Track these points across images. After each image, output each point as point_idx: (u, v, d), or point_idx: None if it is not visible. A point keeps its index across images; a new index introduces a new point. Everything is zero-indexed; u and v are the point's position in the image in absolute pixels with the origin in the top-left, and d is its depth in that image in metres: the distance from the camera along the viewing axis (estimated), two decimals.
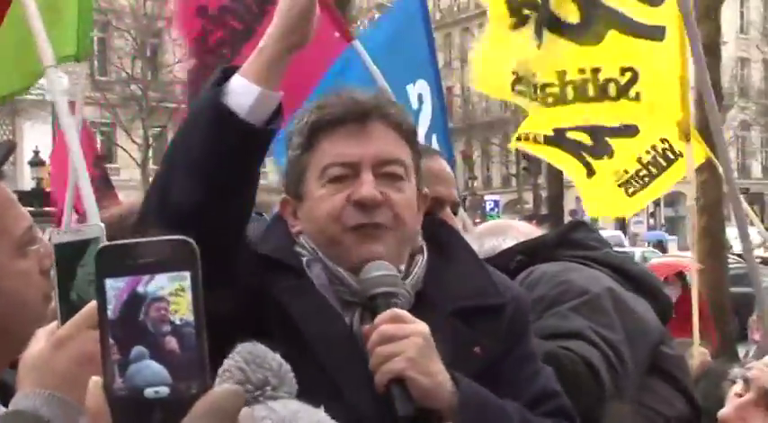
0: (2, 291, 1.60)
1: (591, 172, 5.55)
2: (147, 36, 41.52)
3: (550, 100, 5.32)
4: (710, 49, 10.46)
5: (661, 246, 34.90)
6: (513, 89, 5.33)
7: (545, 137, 5.50)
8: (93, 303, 1.20)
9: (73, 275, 1.47)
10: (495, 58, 5.36)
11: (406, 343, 1.87)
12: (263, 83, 1.91)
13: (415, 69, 5.76)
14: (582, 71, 5.33)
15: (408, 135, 2.11)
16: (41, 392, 1.37)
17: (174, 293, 1.08)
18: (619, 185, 5.58)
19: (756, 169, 57.26)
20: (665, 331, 2.95)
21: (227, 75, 1.94)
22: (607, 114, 5.44)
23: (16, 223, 1.63)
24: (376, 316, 1.96)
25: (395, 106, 2.14)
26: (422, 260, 2.10)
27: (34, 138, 34.84)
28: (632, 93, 5.29)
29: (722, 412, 1.70)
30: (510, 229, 3.01)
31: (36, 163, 29.36)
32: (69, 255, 1.47)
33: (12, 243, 1.64)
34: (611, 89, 5.31)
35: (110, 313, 1.08)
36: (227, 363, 1.67)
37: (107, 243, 1.16)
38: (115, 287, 1.09)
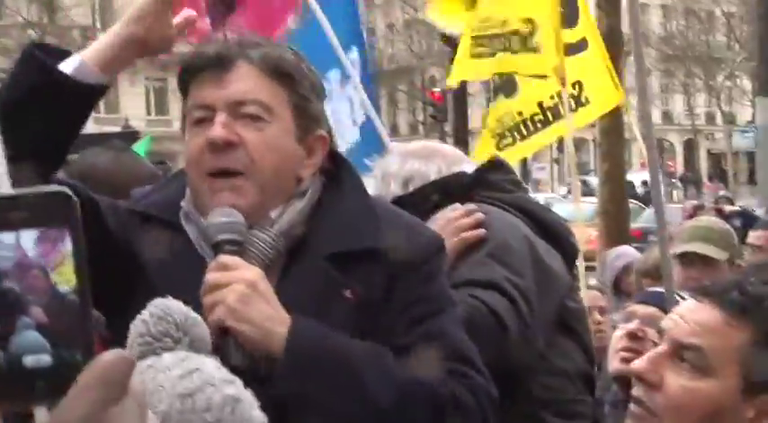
0: None
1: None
2: None
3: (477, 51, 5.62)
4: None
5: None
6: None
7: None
8: None
9: None
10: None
11: (225, 292, 1.85)
12: (95, 64, 1.98)
13: (350, 37, 5.92)
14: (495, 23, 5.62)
15: (280, 75, 2.05)
16: None
17: (51, 255, 0.98)
18: (492, 137, 5.77)
19: (656, 115, 58.50)
20: (572, 283, 2.97)
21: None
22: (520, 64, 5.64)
23: None
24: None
25: (266, 47, 2.10)
26: (299, 205, 2.05)
27: None
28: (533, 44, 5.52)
29: (636, 364, 1.72)
30: (436, 155, 2.89)
31: None
32: None
33: None
34: (515, 42, 5.55)
35: None
36: (137, 317, 1.65)
37: None
38: None
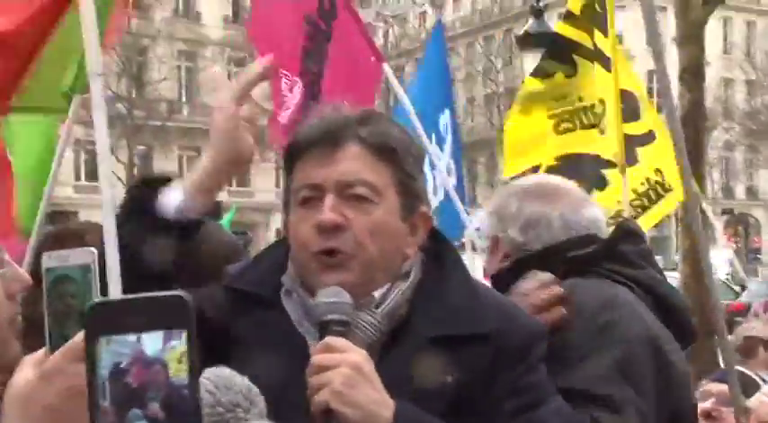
0: None
1: None
2: (132, 53, 41.59)
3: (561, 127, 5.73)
4: (694, 71, 10.56)
5: None
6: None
7: (548, 167, 5.79)
8: (81, 335, 1.18)
9: (62, 301, 1.41)
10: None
11: (331, 374, 1.82)
12: (195, 194, 2.02)
13: (443, 100, 6.21)
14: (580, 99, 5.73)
15: (386, 154, 2.05)
16: None
17: (169, 354, 1.05)
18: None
19: (740, 190, 57.52)
20: (689, 377, 2.69)
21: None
22: (599, 145, 5.75)
23: None
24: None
25: (372, 122, 2.08)
26: (402, 287, 2.04)
27: None
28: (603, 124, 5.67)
29: None
30: (558, 195, 2.63)
31: None
32: (59, 279, 1.41)
33: None
34: (590, 116, 5.69)
35: (102, 374, 1.05)
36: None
37: (98, 299, 1.12)
38: (107, 347, 1.06)
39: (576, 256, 2.52)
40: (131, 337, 1.04)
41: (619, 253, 2.57)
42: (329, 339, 1.87)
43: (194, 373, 1.04)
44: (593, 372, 2.31)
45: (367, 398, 1.85)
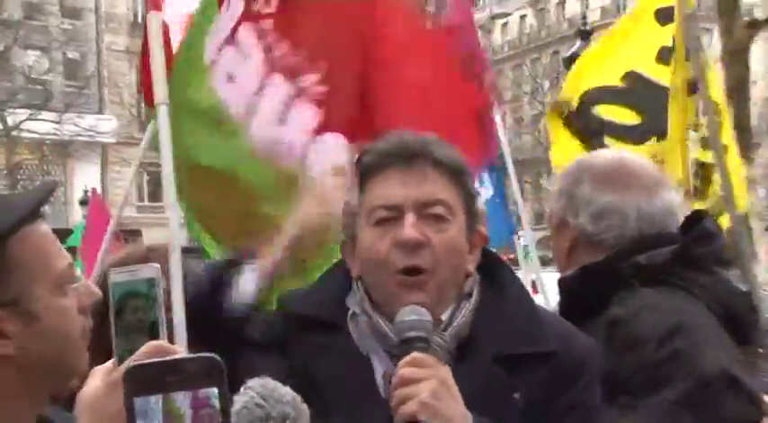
0: (43, 327, 1.61)
1: None
2: None
3: None
4: (740, 90, 10.57)
5: None
6: None
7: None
8: (151, 343, 1.35)
9: (129, 314, 1.48)
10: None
11: (420, 387, 1.87)
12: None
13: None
14: None
15: (457, 175, 2.11)
16: None
17: (201, 411, 1.18)
18: None
19: None
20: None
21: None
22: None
23: (56, 262, 1.64)
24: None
25: (443, 147, 2.12)
26: (467, 307, 2.09)
27: (84, 178, 35.39)
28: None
29: None
30: (632, 181, 2.49)
31: (86, 202, 30.05)
32: (126, 293, 1.48)
33: (52, 281, 1.64)
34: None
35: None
36: (240, 400, 1.73)
37: (136, 363, 1.27)
38: (144, 405, 1.19)
39: (647, 265, 2.38)
40: (165, 397, 1.18)
41: (692, 258, 2.40)
42: (416, 355, 1.92)
43: (227, 414, 1.18)
44: (656, 406, 2.14)
45: (452, 411, 1.90)
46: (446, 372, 1.93)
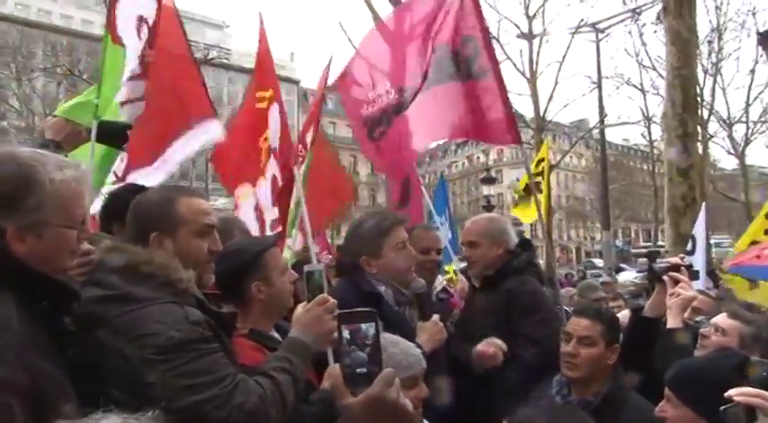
0: (278, 290, 2.85)
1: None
2: None
3: None
4: None
5: None
6: None
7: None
8: (321, 297, 2.48)
9: (313, 289, 2.54)
10: None
11: None
12: None
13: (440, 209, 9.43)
14: None
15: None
16: (300, 331, 2.47)
17: (366, 331, 2.30)
18: None
19: None
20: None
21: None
22: None
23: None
24: (420, 306, 3.76)
25: None
26: None
27: None
28: None
29: None
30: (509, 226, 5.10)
31: None
32: (311, 276, 2.53)
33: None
34: None
35: (344, 336, 2.36)
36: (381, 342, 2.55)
37: (345, 311, 2.45)
38: (345, 329, 2.35)
39: (522, 262, 4.80)
40: (355, 326, 2.32)
41: (532, 259, 4.84)
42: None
43: (378, 338, 2.31)
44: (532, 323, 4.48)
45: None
46: None
